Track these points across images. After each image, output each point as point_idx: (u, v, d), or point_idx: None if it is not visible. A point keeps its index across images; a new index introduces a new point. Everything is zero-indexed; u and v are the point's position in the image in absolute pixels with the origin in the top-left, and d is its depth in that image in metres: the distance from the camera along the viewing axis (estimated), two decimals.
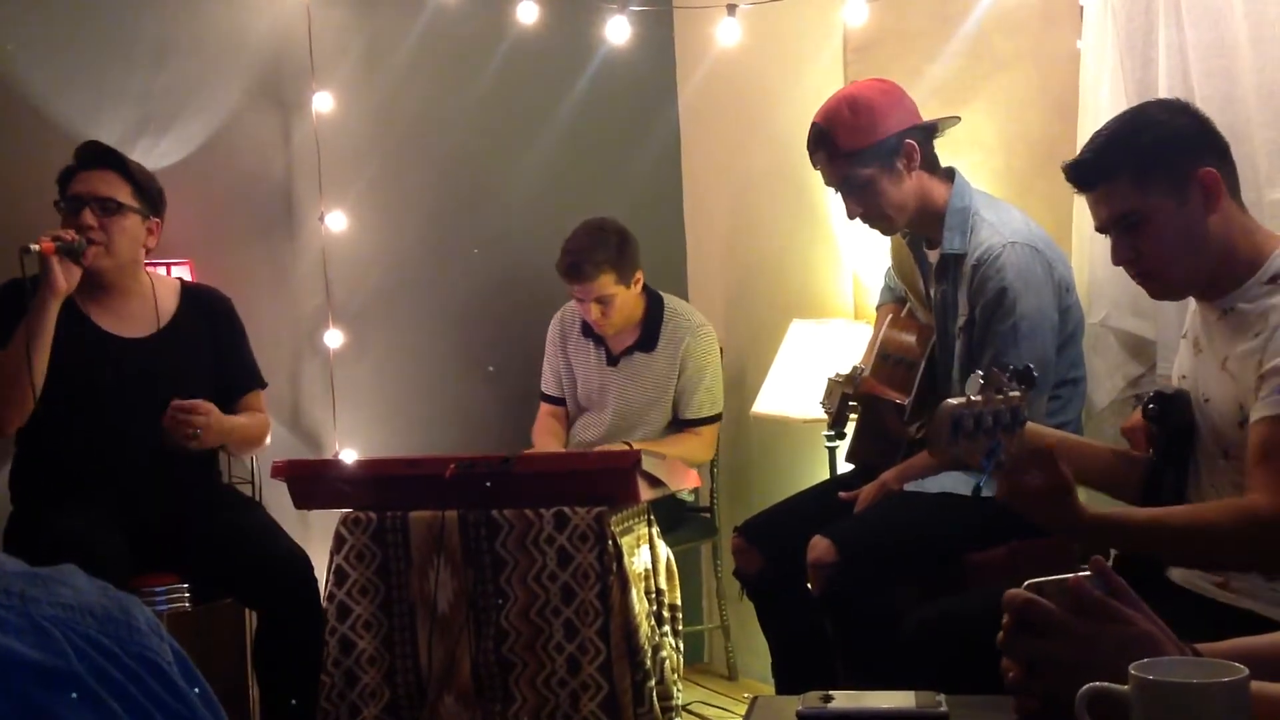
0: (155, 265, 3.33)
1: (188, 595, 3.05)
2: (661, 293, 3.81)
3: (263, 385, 3.31)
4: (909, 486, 2.78)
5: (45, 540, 2.81)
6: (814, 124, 2.78)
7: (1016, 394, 1.79)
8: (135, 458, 3.03)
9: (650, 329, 3.74)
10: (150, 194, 3.11)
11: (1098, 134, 2.06)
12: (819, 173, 2.84)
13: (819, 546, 2.66)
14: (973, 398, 1.78)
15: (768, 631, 3.03)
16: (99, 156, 3.08)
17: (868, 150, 2.72)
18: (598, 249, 3.57)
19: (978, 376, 1.78)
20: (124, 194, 3.05)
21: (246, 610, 3.30)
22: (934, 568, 2.71)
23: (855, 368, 2.90)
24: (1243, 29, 2.51)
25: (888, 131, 2.72)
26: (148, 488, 3.02)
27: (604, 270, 3.57)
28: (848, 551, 2.64)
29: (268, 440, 3.30)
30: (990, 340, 2.64)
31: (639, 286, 3.70)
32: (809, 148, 2.80)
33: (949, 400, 1.79)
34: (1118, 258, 2.07)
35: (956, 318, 2.74)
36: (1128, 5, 2.74)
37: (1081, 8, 2.88)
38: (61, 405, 2.99)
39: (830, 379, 2.93)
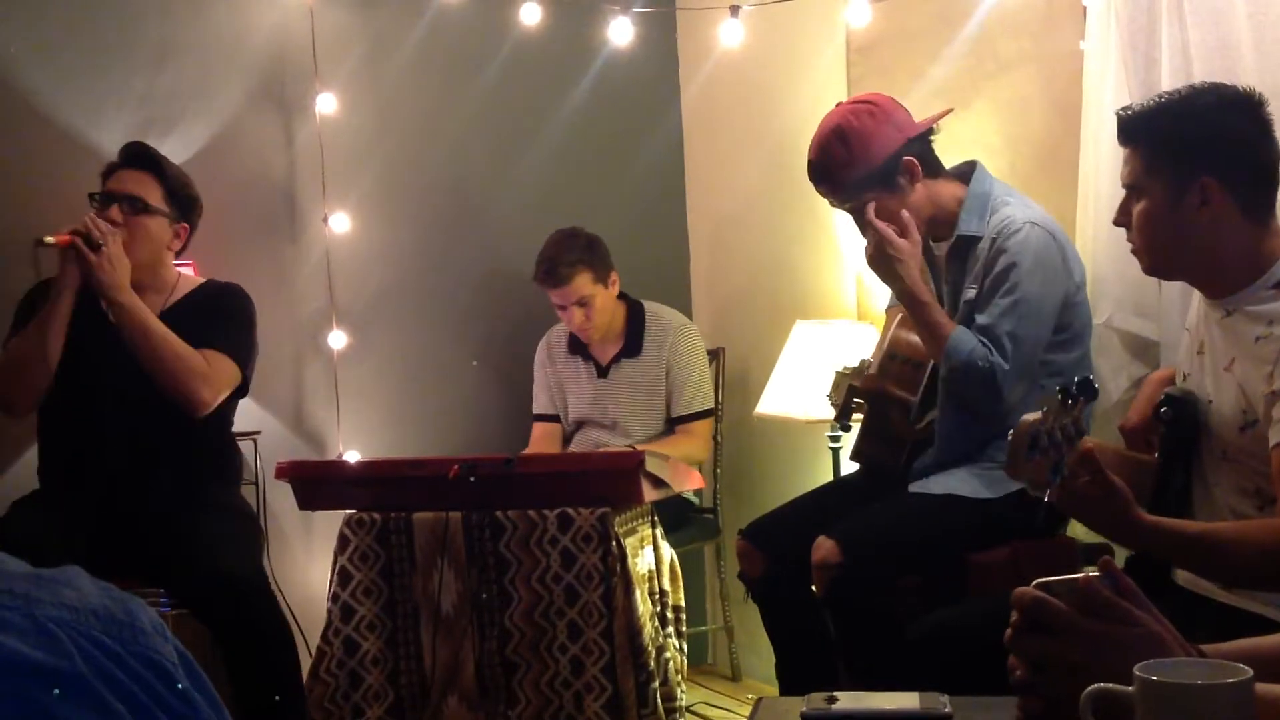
0: None
1: (167, 602, 3.02)
2: (641, 300, 3.84)
3: (238, 363, 3.12)
4: (914, 487, 2.78)
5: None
6: (809, 159, 2.79)
7: (1077, 407, 1.80)
8: (130, 450, 3.03)
9: (634, 334, 3.79)
10: (181, 199, 3.16)
11: (1159, 96, 2.07)
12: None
13: (824, 547, 2.66)
14: (1045, 413, 1.78)
15: (772, 633, 3.03)
16: (137, 157, 3.15)
17: (866, 178, 2.72)
18: (569, 250, 3.65)
19: (1055, 394, 1.78)
20: (154, 196, 3.11)
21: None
22: (937, 568, 2.71)
23: (862, 361, 2.89)
24: (1245, 30, 2.51)
25: (882, 155, 2.72)
26: (126, 477, 3.01)
27: (579, 270, 3.64)
28: (852, 552, 2.64)
29: (201, 392, 3.02)
30: (989, 307, 2.63)
31: (616, 289, 3.76)
32: (810, 180, 2.81)
33: (1025, 417, 1.80)
34: (1116, 218, 2.12)
35: (963, 294, 2.74)
36: (1130, 6, 2.74)
37: (1084, 8, 2.88)
38: (70, 395, 3.03)
39: (837, 372, 2.92)
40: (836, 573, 2.64)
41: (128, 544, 2.96)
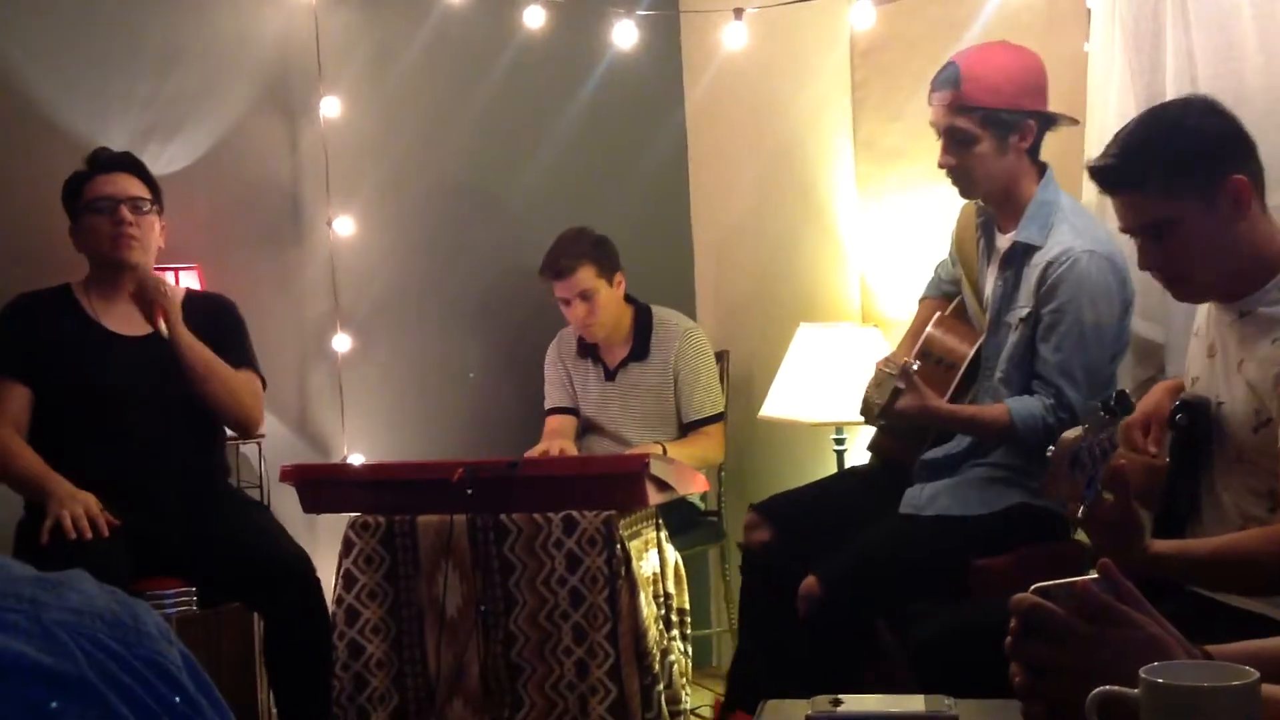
0: (164, 270, 3.34)
1: (195, 599, 3.05)
2: (650, 304, 3.83)
3: (260, 376, 3.26)
4: (904, 509, 2.76)
5: (48, 543, 2.81)
6: (952, 62, 2.73)
7: (1115, 422, 1.80)
8: (137, 453, 3.03)
9: (641, 338, 3.78)
10: (161, 195, 3.18)
11: (1127, 135, 2.04)
12: (931, 109, 2.76)
13: (807, 583, 2.72)
14: (1086, 430, 1.78)
15: (746, 603, 3.05)
16: (116, 160, 3.13)
17: (991, 113, 2.69)
18: (573, 245, 3.67)
19: (1098, 410, 1.77)
20: (147, 194, 3.12)
21: (255, 613, 3.30)
22: (934, 590, 2.71)
23: (906, 362, 2.82)
24: (1250, 32, 2.51)
25: (1018, 105, 2.69)
26: (151, 485, 3.02)
27: (582, 263, 3.64)
28: (832, 590, 2.69)
29: (257, 411, 3.21)
30: (1053, 342, 2.64)
31: (621, 289, 3.75)
32: (934, 82, 2.75)
33: (1066, 435, 1.79)
34: (1144, 262, 2.07)
35: (1013, 307, 2.72)
36: (1135, 8, 2.73)
37: (1089, 11, 2.88)
38: (70, 405, 3.03)
39: (881, 369, 2.81)
40: (816, 607, 2.69)
41: (163, 543, 2.99)
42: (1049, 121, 2.77)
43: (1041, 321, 2.66)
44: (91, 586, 0.59)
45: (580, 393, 3.86)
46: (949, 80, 2.71)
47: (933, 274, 3.14)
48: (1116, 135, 2.06)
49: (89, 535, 2.81)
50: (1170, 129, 1.99)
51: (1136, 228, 2.04)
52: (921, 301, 3.13)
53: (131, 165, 3.14)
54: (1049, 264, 2.64)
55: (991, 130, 2.69)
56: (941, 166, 2.78)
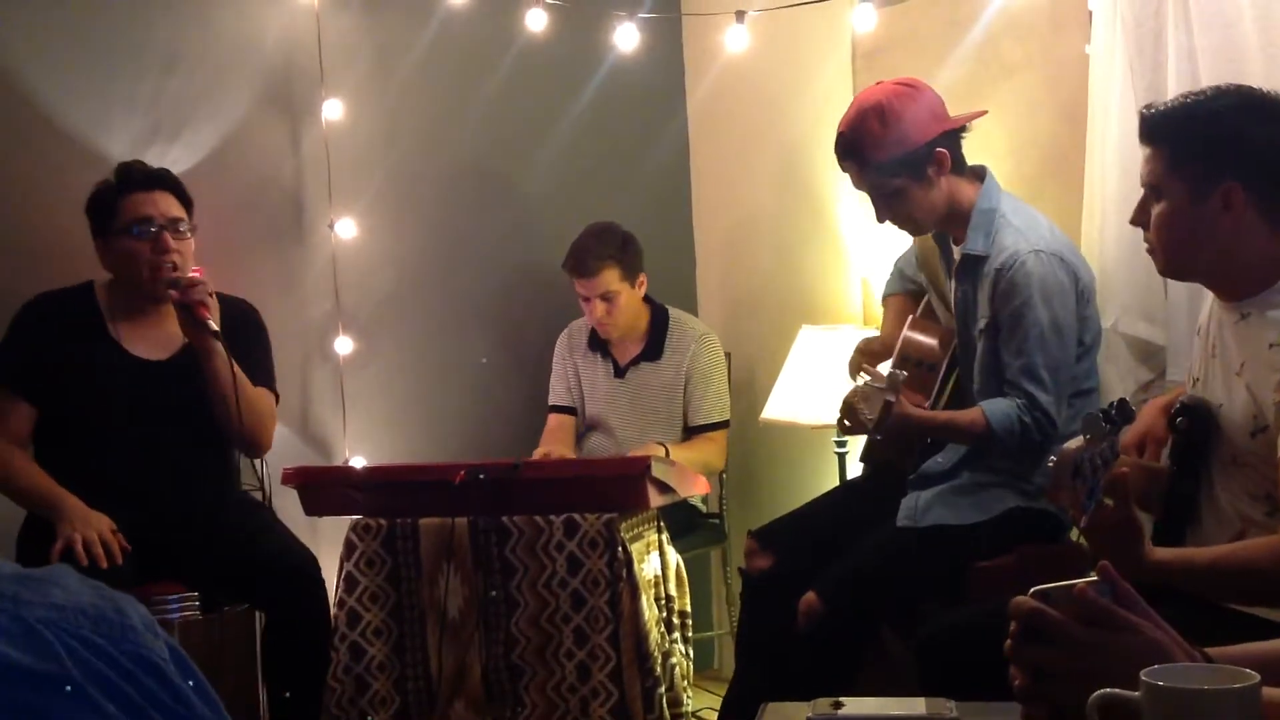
0: None
1: (198, 604, 3.05)
2: (666, 305, 3.82)
3: (273, 390, 3.24)
4: (901, 521, 2.75)
5: (51, 549, 2.81)
6: (841, 133, 2.74)
7: (1116, 431, 1.80)
8: (151, 463, 3.02)
9: (655, 339, 3.77)
10: (192, 211, 3.11)
11: (1184, 97, 2.06)
12: (847, 176, 2.81)
13: (806, 598, 2.72)
14: (1088, 440, 1.78)
15: (746, 623, 3.04)
16: (154, 178, 3.07)
17: (898, 161, 2.69)
18: (602, 245, 3.65)
19: (1099, 420, 1.78)
20: (184, 214, 3.06)
21: (257, 616, 3.30)
22: (932, 598, 2.70)
23: (893, 373, 2.82)
24: (1252, 33, 2.51)
25: (918, 142, 2.68)
26: (164, 494, 3.02)
27: (608, 265, 3.63)
28: (831, 604, 2.69)
29: (270, 435, 3.19)
30: (1013, 346, 2.64)
31: (643, 290, 3.74)
32: (837, 155, 2.78)
33: (1067, 445, 1.80)
34: (1134, 217, 2.10)
35: (975, 319, 2.73)
36: (1136, 10, 2.74)
37: (1090, 12, 2.88)
38: (84, 426, 3.01)
39: (872, 385, 2.80)
40: (816, 622, 2.70)
41: (170, 549, 2.98)
42: (956, 131, 2.77)
43: (1001, 328, 2.66)
44: (74, 582, 0.59)
45: (587, 388, 3.85)
46: (847, 152, 2.74)
47: (893, 269, 3.13)
48: (1183, 95, 2.08)
49: (104, 564, 2.77)
50: (1212, 114, 1.99)
51: (1142, 181, 2.06)
52: (886, 300, 3.13)
53: (170, 183, 3.07)
54: (998, 270, 2.65)
55: (906, 175, 2.70)
56: (881, 221, 2.82)
